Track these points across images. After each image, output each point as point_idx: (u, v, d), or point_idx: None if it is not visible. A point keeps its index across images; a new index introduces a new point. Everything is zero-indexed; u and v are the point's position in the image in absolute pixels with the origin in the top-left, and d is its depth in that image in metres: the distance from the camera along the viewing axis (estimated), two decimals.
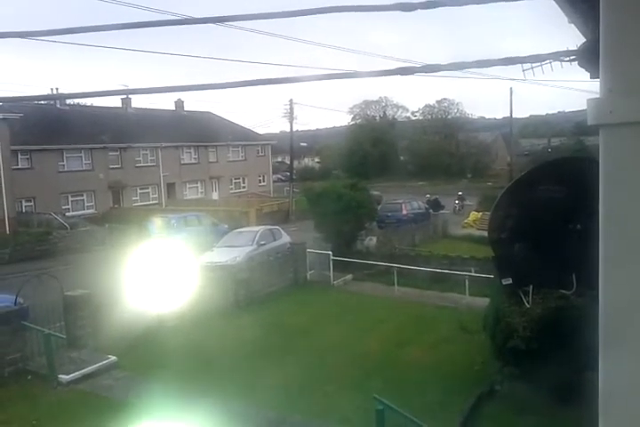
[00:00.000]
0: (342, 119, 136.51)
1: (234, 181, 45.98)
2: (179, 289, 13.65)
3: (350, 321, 13.29)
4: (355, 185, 22.29)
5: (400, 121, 72.63)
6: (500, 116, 72.35)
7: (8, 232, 25.51)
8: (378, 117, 71.92)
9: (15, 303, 11.94)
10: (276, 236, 21.40)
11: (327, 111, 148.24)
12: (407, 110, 72.28)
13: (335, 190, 21.15)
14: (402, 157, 69.20)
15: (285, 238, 21.50)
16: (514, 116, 41.07)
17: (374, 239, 21.65)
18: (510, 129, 42.06)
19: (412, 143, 66.57)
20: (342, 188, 21.47)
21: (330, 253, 18.52)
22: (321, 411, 8.66)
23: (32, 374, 10.29)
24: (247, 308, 14.95)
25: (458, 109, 67.46)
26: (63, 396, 9.62)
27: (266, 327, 12.92)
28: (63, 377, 10.03)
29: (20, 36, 2.77)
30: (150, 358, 11.15)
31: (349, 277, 18.33)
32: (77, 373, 10.23)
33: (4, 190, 26.08)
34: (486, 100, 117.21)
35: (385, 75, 2.50)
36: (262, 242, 20.18)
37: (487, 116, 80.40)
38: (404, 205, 28.97)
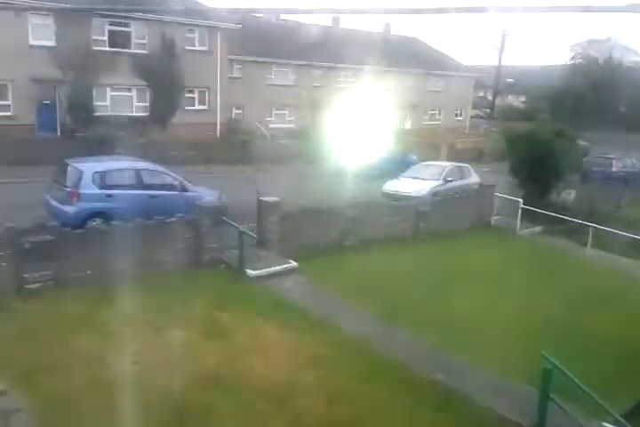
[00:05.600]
0: (560, 58, 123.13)
1: (429, 112, 44.81)
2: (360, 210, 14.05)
3: (532, 274, 12.58)
4: (561, 132, 20.43)
5: (627, 66, 63.83)
6: None
7: (218, 136, 27.93)
8: (601, 60, 63.87)
9: (218, 200, 13.22)
10: (464, 174, 20.67)
11: (543, 47, 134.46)
12: (638, 55, 63.13)
13: (538, 134, 19.59)
14: (622, 108, 61.41)
15: (474, 178, 20.71)
16: None
17: (573, 193, 19.92)
18: None
19: (637, 92, 58.45)
20: (547, 133, 19.80)
21: (520, 200, 17.47)
22: (486, 357, 8.46)
23: (225, 264, 11.42)
24: (425, 241, 14.92)
25: None
26: (248, 288, 10.55)
27: (442, 264, 12.85)
28: (250, 272, 11.00)
29: None
30: (327, 270, 11.73)
31: (538, 229, 17.23)
32: (263, 270, 11.14)
33: (218, 97, 28.27)
34: None
35: (617, 11, 2.04)
36: (450, 178, 19.66)
37: None
38: (615, 161, 26.01)
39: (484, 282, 11.77)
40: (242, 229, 11.36)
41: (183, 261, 11.11)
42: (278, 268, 11.39)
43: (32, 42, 22.34)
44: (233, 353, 7.91)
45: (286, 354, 8.09)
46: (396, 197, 17.26)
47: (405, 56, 42.25)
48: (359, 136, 25.59)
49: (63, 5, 19.54)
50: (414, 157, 25.52)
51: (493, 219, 17.74)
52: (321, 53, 35.95)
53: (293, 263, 11.63)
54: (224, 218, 11.63)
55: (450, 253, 13.80)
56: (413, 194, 17.98)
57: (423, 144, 30.37)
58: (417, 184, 19.00)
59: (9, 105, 22.49)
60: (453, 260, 13.23)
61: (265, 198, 12.73)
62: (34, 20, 22.18)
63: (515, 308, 10.48)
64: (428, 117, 44.77)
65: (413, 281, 11.41)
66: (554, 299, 11.17)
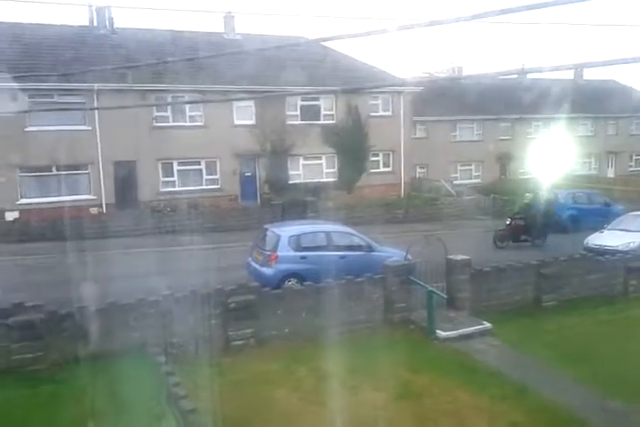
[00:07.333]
0: None
1: (634, 157, 40.86)
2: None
3: None
4: None
5: None
6: None
7: (402, 195, 28.36)
8: None
9: (405, 259, 13.21)
10: None
11: None
12: None
13: None
14: None
15: None
16: None
17: None
18: None
19: None
20: None
21: None
22: None
23: (414, 325, 11.20)
24: (638, 301, 13.22)
25: None
26: (439, 349, 10.20)
27: None
28: (440, 333, 10.63)
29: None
30: (524, 332, 10.92)
31: None
32: (454, 332, 10.68)
33: (402, 157, 28.92)
34: None
35: None
36: None
37: None
38: None
39: None
40: (430, 288, 11.14)
41: (373, 321, 11.16)
42: (470, 329, 10.85)
43: (236, 122, 25.25)
44: (429, 416, 7.61)
45: (483, 420, 7.56)
46: (601, 252, 15.69)
47: (602, 101, 39.53)
48: (553, 188, 24.13)
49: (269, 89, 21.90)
50: (620, 208, 23.20)
51: None
52: (508, 106, 35.27)
53: (486, 325, 11.00)
54: (411, 277, 11.53)
55: None
56: (620, 248, 16.25)
57: (630, 193, 27.55)
58: (625, 237, 17.16)
59: (217, 178, 25.41)
60: None
61: (453, 256, 12.42)
62: (238, 103, 25.13)
63: None
64: (633, 163, 40.86)
65: (628, 348, 10.05)
66: None
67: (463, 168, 35.25)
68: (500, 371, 9.20)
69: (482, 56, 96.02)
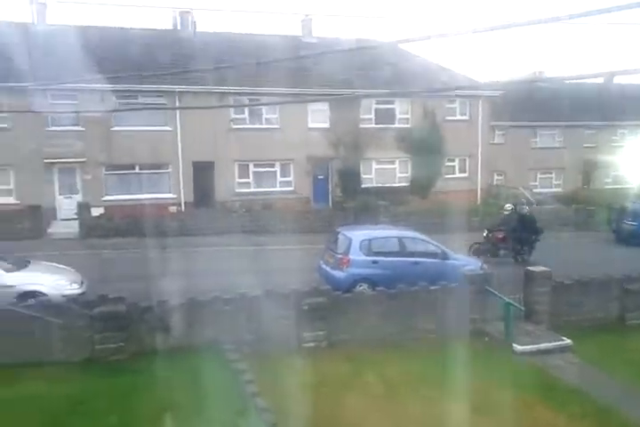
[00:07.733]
0: None
1: None
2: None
3: None
4: None
5: None
6: None
7: (478, 202, 27.63)
8: None
9: (481, 268, 12.88)
10: None
11: None
12: None
13: None
14: None
15: None
16: None
17: None
18: None
19: None
20: None
21: None
22: None
23: (489, 337, 10.87)
24: None
25: None
26: (514, 364, 9.86)
27: None
28: (517, 347, 10.27)
29: None
30: (606, 350, 10.40)
31: None
32: (532, 346, 10.29)
33: (479, 163, 28.17)
34: None
35: None
36: None
37: None
38: None
39: None
40: (508, 300, 10.79)
41: (445, 330, 10.89)
42: (549, 344, 10.41)
43: (310, 125, 25.43)
44: None
45: None
46: None
47: None
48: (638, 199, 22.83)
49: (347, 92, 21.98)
50: None
51: None
52: (591, 112, 33.77)
53: (567, 341, 10.53)
54: (487, 288, 11.21)
55: None
56: None
57: None
58: None
59: (291, 181, 25.70)
60: None
61: (532, 268, 12.00)
62: (313, 107, 25.31)
63: None
64: None
65: None
66: None
67: (543, 176, 34.00)
68: (580, 389, 8.82)
69: (566, 60, 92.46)
